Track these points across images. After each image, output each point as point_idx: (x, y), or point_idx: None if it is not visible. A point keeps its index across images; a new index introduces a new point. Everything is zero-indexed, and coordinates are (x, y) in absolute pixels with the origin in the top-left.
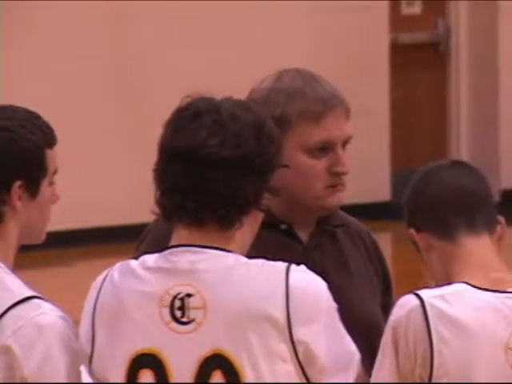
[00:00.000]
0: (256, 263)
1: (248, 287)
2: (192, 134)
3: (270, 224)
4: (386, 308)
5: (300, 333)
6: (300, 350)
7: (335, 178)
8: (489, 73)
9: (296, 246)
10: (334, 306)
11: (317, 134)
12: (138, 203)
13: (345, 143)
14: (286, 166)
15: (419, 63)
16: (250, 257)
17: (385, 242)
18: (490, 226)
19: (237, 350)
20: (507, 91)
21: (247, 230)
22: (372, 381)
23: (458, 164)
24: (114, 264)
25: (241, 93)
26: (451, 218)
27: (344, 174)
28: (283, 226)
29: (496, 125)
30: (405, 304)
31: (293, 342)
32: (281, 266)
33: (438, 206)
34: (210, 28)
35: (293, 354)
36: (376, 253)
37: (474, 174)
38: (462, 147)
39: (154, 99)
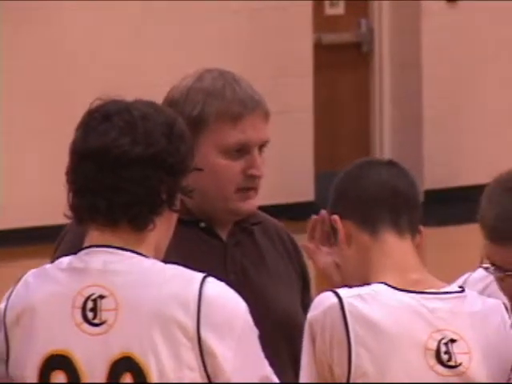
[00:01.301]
0: (172, 268)
1: (161, 292)
2: (103, 135)
3: (189, 222)
4: (306, 306)
5: (209, 344)
6: (208, 361)
7: (249, 181)
8: (412, 73)
9: (216, 244)
10: (253, 329)
11: (233, 136)
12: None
13: (262, 146)
14: (200, 170)
15: (342, 63)
16: (169, 255)
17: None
18: (413, 230)
19: (146, 353)
20: (430, 91)
21: (161, 231)
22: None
23: (394, 164)
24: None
25: (165, 93)
26: (378, 212)
27: (258, 177)
28: (202, 224)
29: (419, 125)
30: (322, 301)
31: (201, 352)
32: (198, 275)
33: (369, 198)
34: (136, 29)
35: (201, 364)
36: (295, 251)
37: (407, 177)
38: (385, 147)
39: (77, 100)
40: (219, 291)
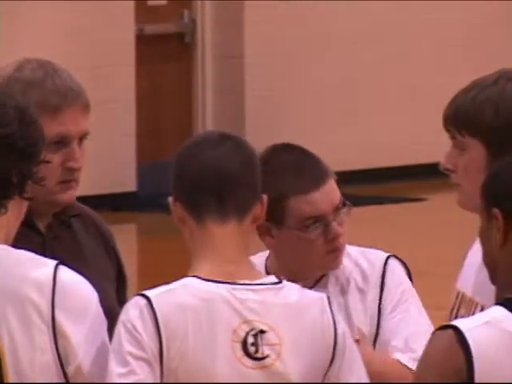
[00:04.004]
0: (24, 253)
1: (15, 273)
2: None
3: None
4: (122, 302)
5: (63, 327)
6: (61, 343)
7: (68, 174)
8: (234, 64)
9: (35, 237)
10: (103, 318)
11: (52, 129)
12: None
13: (82, 138)
14: (48, 162)
15: (165, 54)
16: None
17: (130, 232)
18: (241, 212)
19: (0, 333)
20: (252, 82)
21: (11, 218)
22: None
23: (228, 140)
24: None
25: None
26: (202, 198)
27: (77, 169)
28: None
29: (241, 116)
30: (135, 304)
31: (55, 335)
32: (50, 261)
33: (193, 182)
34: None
35: (53, 346)
36: (112, 246)
37: (240, 154)
38: None
39: None
40: (73, 277)
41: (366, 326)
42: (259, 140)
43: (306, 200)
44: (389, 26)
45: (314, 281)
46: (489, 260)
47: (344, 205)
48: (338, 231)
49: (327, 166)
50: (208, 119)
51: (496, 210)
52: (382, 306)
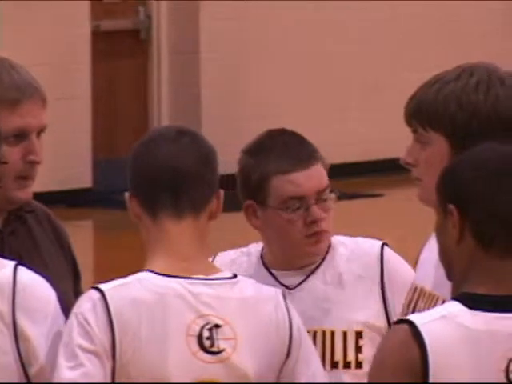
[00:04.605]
0: None
1: None
2: None
3: None
4: (77, 296)
5: (24, 329)
6: (22, 346)
7: (28, 168)
8: (190, 61)
9: None
10: (62, 317)
11: (11, 122)
12: None
13: (40, 132)
14: (5, 163)
15: (121, 51)
16: None
17: (86, 228)
18: (197, 208)
19: None
20: (208, 78)
21: None
22: None
23: (184, 135)
24: None
25: None
26: (157, 195)
27: (37, 162)
28: None
29: (198, 113)
30: (88, 297)
31: (16, 337)
32: (9, 261)
33: (147, 179)
34: None
35: (15, 348)
36: (67, 241)
37: (196, 150)
38: None
39: None
40: (32, 277)
41: (367, 313)
42: (215, 135)
43: (288, 180)
44: (348, 22)
45: (310, 271)
46: (445, 256)
47: (331, 192)
48: (319, 215)
49: (317, 152)
50: (164, 115)
51: (451, 206)
52: (385, 292)
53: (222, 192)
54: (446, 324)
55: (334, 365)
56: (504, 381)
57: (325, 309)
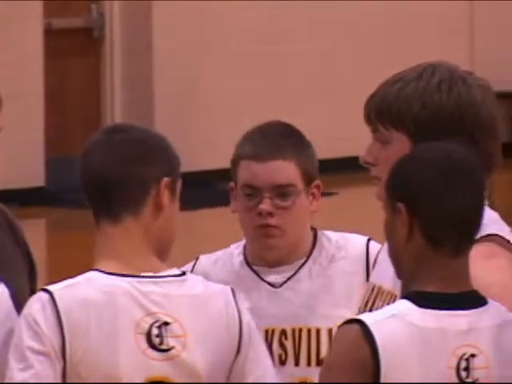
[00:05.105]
0: None
1: None
2: None
3: None
4: (32, 292)
5: None
6: None
7: None
8: (143, 59)
9: None
10: (15, 315)
11: None
12: None
13: None
14: None
15: (73, 49)
16: None
17: (39, 227)
18: (133, 208)
19: None
20: (161, 76)
21: None
22: None
23: (113, 135)
24: None
25: None
26: (94, 200)
27: None
28: None
29: (151, 111)
30: (37, 298)
31: None
32: None
33: (86, 185)
34: None
35: None
36: (23, 238)
37: (122, 150)
38: None
39: None
40: None
41: (353, 310)
42: (169, 133)
43: (247, 166)
44: (303, 22)
45: (296, 267)
46: (394, 254)
47: (291, 188)
48: (265, 209)
49: (293, 151)
50: (117, 113)
51: (400, 205)
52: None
53: (166, 180)
54: (396, 323)
55: (320, 362)
56: (455, 378)
57: (310, 306)
